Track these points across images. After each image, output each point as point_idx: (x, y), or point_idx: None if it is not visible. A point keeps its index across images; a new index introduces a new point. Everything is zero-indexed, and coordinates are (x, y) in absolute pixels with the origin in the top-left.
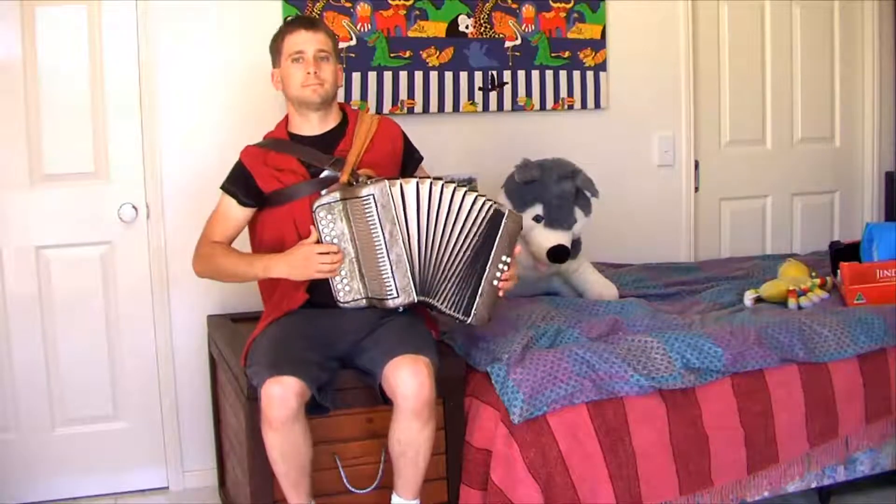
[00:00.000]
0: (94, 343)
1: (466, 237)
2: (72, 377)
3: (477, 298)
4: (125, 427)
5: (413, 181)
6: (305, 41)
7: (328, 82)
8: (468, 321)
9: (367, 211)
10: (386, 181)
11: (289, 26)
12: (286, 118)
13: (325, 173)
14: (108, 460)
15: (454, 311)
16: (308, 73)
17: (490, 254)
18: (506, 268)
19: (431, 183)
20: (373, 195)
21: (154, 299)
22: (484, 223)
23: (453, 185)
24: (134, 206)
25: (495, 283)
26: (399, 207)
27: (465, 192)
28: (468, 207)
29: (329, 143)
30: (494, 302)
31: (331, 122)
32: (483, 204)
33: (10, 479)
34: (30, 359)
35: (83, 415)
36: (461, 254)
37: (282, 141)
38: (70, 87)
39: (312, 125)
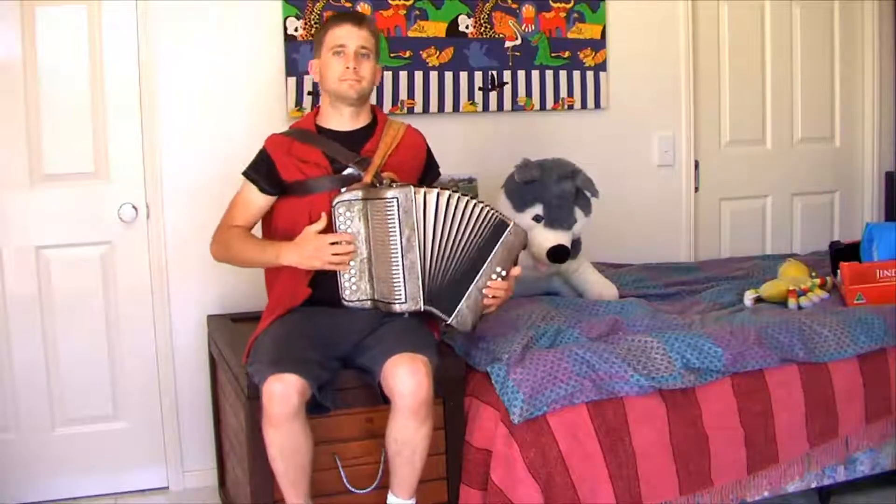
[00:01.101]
0: (94, 343)
1: (468, 243)
2: (72, 377)
3: (462, 300)
4: (125, 427)
5: (435, 191)
6: (349, 36)
7: (366, 79)
8: (449, 321)
9: (388, 214)
10: (411, 187)
11: (335, 19)
12: (317, 110)
13: (347, 170)
14: (108, 460)
15: (438, 311)
16: (347, 68)
17: (485, 261)
18: (498, 279)
19: (450, 195)
20: (397, 199)
21: (154, 299)
22: (486, 231)
23: (473, 200)
24: (134, 206)
25: (484, 290)
26: (420, 215)
27: (477, 203)
28: (476, 216)
29: (356, 141)
30: (479, 310)
31: (361, 120)
32: (489, 214)
33: (10, 479)
34: (30, 359)
35: (83, 415)
36: (461, 259)
37: (308, 132)
38: (70, 87)
39: (343, 120)
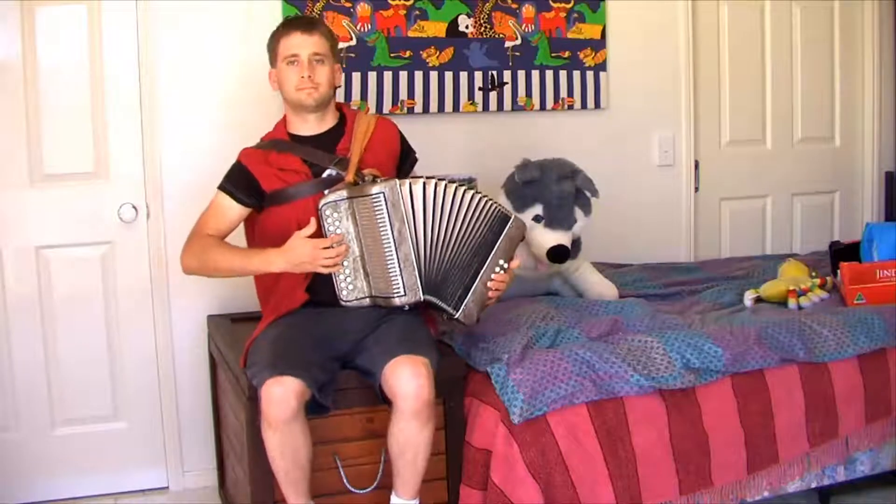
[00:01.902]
0: (94, 343)
1: (470, 236)
2: (72, 377)
3: (468, 295)
4: (125, 427)
5: (420, 181)
6: (300, 45)
7: (323, 85)
8: (456, 315)
9: (376, 209)
10: (395, 180)
11: (284, 28)
12: (284, 118)
13: (327, 172)
14: (108, 460)
15: (444, 304)
16: (302, 77)
17: (489, 255)
18: (501, 272)
19: (437, 183)
20: (383, 193)
21: (154, 299)
22: (489, 225)
23: (462, 187)
24: (134, 206)
25: (489, 284)
26: (408, 206)
27: (473, 193)
28: (475, 208)
29: (328, 143)
30: (483, 303)
31: (328, 121)
32: (490, 206)
33: (10, 479)
34: (30, 359)
35: (83, 415)
36: (462, 252)
37: (283, 141)
38: (70, 87)
39: (310, 125)
